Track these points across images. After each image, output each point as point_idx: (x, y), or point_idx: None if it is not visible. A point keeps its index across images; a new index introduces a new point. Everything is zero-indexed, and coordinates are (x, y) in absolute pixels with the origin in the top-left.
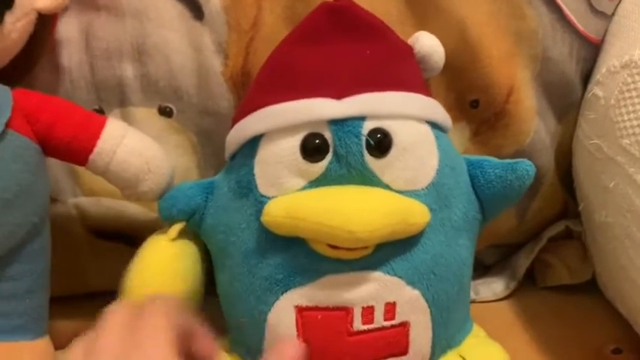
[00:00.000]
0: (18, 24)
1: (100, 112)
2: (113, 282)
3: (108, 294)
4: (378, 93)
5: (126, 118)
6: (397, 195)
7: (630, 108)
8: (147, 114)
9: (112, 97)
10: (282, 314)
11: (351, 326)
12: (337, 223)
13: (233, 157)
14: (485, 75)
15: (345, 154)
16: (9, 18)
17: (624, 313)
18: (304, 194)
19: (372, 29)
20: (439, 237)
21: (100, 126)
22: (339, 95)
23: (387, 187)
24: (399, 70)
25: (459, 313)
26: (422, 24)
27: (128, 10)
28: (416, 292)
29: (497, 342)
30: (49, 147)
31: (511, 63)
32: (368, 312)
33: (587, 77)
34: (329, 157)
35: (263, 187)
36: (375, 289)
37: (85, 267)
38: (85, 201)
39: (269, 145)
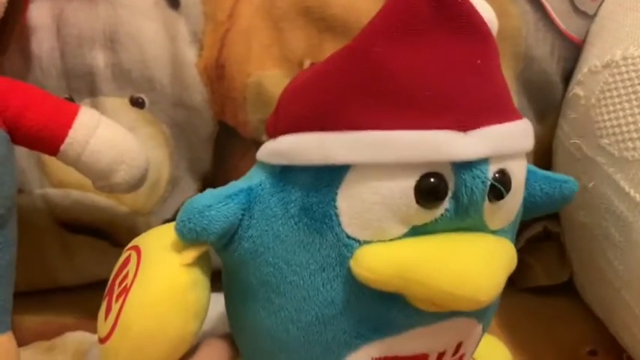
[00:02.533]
0: None
1: (70, 100)
2: (81, 277)
3: (75, 289)
4: (502, 125)
5: (97, 109)
6: (504, 242)
7: (611, 108)
8: (118, 104)
9: (82, 86)
10: None
11: None
12: (466, 293)
13: (287, 169)
14: None
15: (468, 202)
16: None
17: (600, 314)
18: (416, 246)
19: (479, 26)
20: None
21: (73, 115)
22: (464, 126)
23: (486, 227)
24: (505, 86)
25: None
26: None
27: None
28: (480, 327)
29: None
30: (19, 135)
31: None
32: (441, 355)
33: (568, 77)
34: (446, 203)
35: (351, 227)
36: (453, 333)
37: (52, 261)
38: (52, 192)
39: (367, 179)
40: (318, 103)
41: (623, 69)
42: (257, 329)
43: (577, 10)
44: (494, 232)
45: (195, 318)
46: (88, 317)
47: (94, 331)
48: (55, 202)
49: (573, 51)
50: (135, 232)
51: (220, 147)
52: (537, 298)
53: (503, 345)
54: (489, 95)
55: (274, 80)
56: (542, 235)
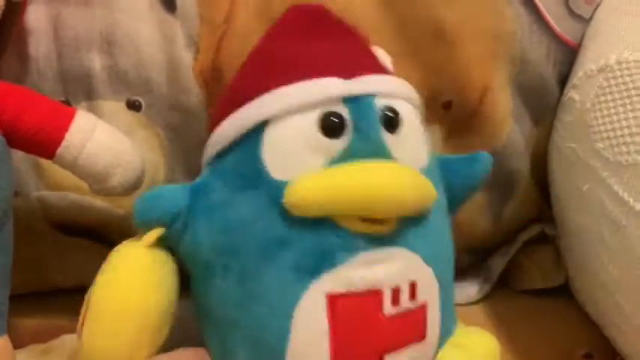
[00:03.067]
0: None
1: (67, 104)
2: (77, 279)
3: (71, 291)
4: (380, 75)
5: (93, 112)
6: (411, 168)
7: (605, 112)
8: (115, 107)
9: (78, 89)
10: (312, 306)
11: (382, 310)
12: (384, 188)
13: (219, 156)
14: (459, 76)
15: (366, 129)
16: None
17: (595, 317)
18: (334, 169)
19: (345, 29)
20: (438, 217)
21: (69, 118)
22: (346, 76)
23: (397, 162)
24: (375, 59)
25: (451, 300)
26: (399, 24)
27: (97, 0)
28: (430, 271)
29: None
30: (15, 139)
31: (488, 64)
32: (396, 293)
33: (563, 80)
34: (349, 132)
35: (277, 172)
36: (402, 266)
37: (48, 263)
38: (48, 195)
39: (280, 127)
40: (232, 94)
41: (618, 73)
42: (220, 301)
43: (572, 13)
44: None
45: (158, 290)
46: None
47: None
48: (51, 205)
49: (569, 54)
50: (131, 235)
51: None
52: (533, 301)
53: (492, 336)
54: (365, 60)
55: None
56: (539, 237)
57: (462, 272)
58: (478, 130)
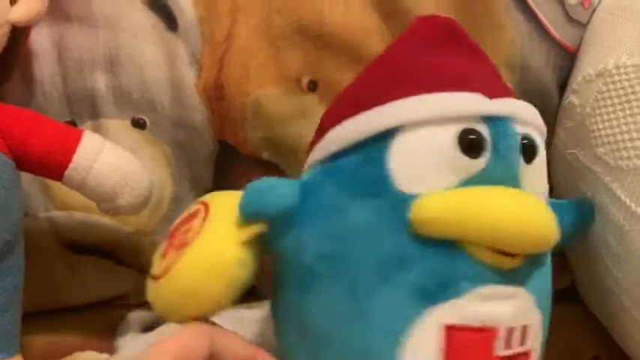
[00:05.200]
0: None
1: (73, 124)
2: (88, 296)
3: (83, 309)
4: (516, 101)
5: (98, 131)
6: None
7: (605, 117)
8: (120, 126)
9: (84, 109)
10: (427, 336)
11: (494, 350)
12: (518, 225)
13: (334, 157)
14: None
15: (506, 152)
16: None
17: (603, 320)
18: (470, 190)
19: (477, 45)
20: (547, 260)
21: (76, 140)
22: (487, 95)
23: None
24: (504, 83)
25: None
26: (396, 34)
27: (101, 21)
28: (540, 316)
29: None
30: (24, 162)
31: None
32: (509, 334)
33: (563, 85)
34: (487, 154)
35: (404, 183)
36: (520, 307)
37: (59, 281)
38: (57, 215)
39: (414, 136)
40: (357, 95)
41: (616, 78)
42: (326, 311)
43: (570, 19)
44: None
45: (230, 290)
46: (96, 336)
47: (102, 349)
48: (60, 224)
49: (568, 59)
50: (139, 251)
51: (221, 165)
52: None
53: None
54: (499, 81)
55: (273, 98)
56: None
57: None
58: None
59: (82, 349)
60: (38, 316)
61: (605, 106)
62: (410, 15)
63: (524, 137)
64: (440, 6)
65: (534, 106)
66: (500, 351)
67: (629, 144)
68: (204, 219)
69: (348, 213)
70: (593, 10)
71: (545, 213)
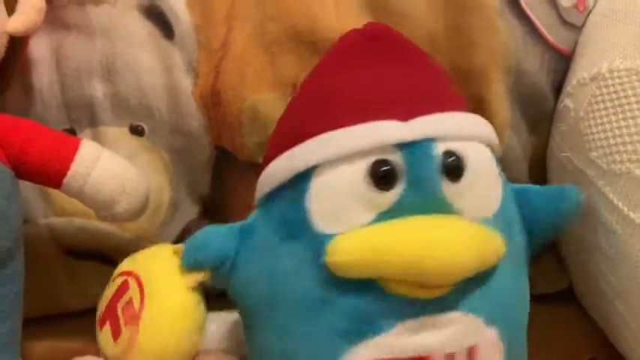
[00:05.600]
0: None
1: (72, 132)
2: (88, 301)
3: (83, 314)
4: (445, 113)
5: (97, 138)
6: (472, 223)
7: (598, 120)
8: (118, 133)
9: (82, 117)
10: None
11: None
12: (434, 256)
13: (268, 196)
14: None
15: (420, 180)
16: None
17: (599, 323)
18: (384, 226)
19: (413, 52)
20: (508, 271)
21: (74, 148)
22: (404, 117)
23: (460, 214)
24: (448, 91)
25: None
26: None
27: (98, 30)
28: (494, 332)
29: None
30: (22, 170)
31: (483, 76)
32: (450, 359)
33: (558, 88)
34: (402, 183)
35: (322, 224)
36: (456, 331)
37: (59, 287)
38: (56, 221)
39: (327, 175)
40: (284, 131)
41: (610, 82)
42: (263, 353)
43: (564, 21)
44: (475, 220)
45: (201, 332)
46: (96, 341)
47: (102, 354)
48: (60, 231)
49: (563, 62)
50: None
51: (218, 171)
52: (537, 305)
53: None
54: (431, 94)
55: (269, 104)
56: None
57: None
58: None
59: (82, 354)
60: (38, 321)
61: (599, 110)
62: (403, 19)
63: (449, 154)
64: (432, 10)
65: (529, 109)
66: None
67: (621, 148)
68: (140, 287)
69: (276, 256)
70: (588, 13)
71: (461, 239)
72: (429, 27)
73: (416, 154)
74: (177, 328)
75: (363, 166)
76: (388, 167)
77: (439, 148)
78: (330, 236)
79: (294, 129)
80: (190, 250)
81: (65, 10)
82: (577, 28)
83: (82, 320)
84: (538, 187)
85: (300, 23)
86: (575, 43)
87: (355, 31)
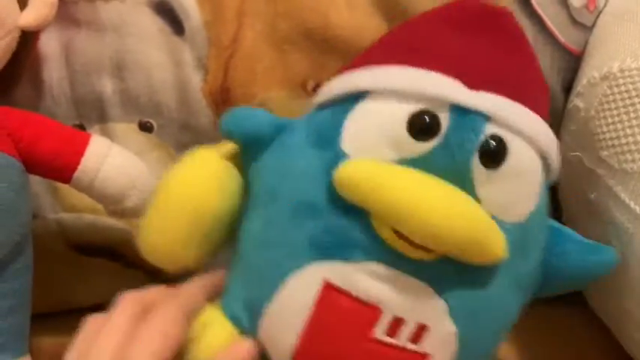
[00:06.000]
0: (1, 42)
1: (81, 127)
2: (96, 297)
3: (90, 310)
4: (510, 100)
5: (106, 134)
6: (484, 212)
7: (609, 120)
8: (127, 129)
9: (92, 113)
10: (306, 281)
11: (372, 331)
12: (416, 208)
13: (319, 106)
14: None
15: (455, 146)
16: None
17: (608, 324)
18: (397, 168)
19: (520, 39)
20: (500, 283)
21: (84, 143)
22: (473, 86)
23: (477, 201)
24: (537, 92)
25: None
26: None
27: (108, 26)
28: (453, 329)
29: None
30: (32, 165)
31: None
32: (396, 324)
33: (568, 88)
34: (436, 141)
35: (348, 144)
36: (417, 302)
37: (67, 282)
38: (65, 217)
39: (372, 104)
40: (364, 53)
41: (621, 81)
42: (245, 235)
43: (575, 21)
44: (491, 218)
45: (218, 194)
46: None
47: None
48: (69, 226)
49: (573, 62)
50: None
51: None
52: (547, 307)
53: None
54: (508, 78)
55: (278, 102)
56: None
57: None
58: None
59: None
60: (47, 317)
61: (610, 109)
62: (410, 14)
63: (495, 138)
64: None
65: None
66: (380, 335)
67: (633, 147)
68: None
69: (298, 157)
70: (598, 13)
71: (455, 209)
72: None
73: (463, 121)
74: (195, 182)
75: (409, 109)
76: (430, 121)
77: (489, 129)
78: (348, 156)
79: (370, 54)
80: (229, 119)
81: (76, 6)
82: (587, 28)
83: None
84: (575, 234)
85: (312, 21)
86: (586, 43)
87: (479, 3)
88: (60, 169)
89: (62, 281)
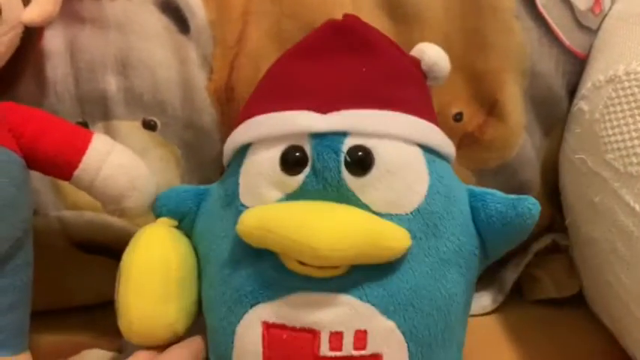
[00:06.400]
0: (5, 37)
1: (84, 125)
2: (97, 295)
3: (91, 308)
4: (364, 110)
5: (110, 132)
6: (372, 216)
7: (615, 123)
8: (131, 127)
9: (95, 111)
10: (250, 328)
11: (318, 351)
12: (302, 239)
13: (227, 166)
14: (468, 88)
15: (322, 169)
16: None
17: (611, 327)
18: (277, 206)
19: (374, 46)
20: (423, 267)
21: (86, 141)
22: (324, 110)
23: (366, 207)
24: (396, 90)
25: (446, 353)
26: (407, 40)
27: (113, 23)
28: (391, 323)
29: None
30: (33, 161)
31: (498, 77)
32: (336, 338)
33: (573, 91)
34: (306, 170)
35: (244, 196)
36: (345, 313)
37: (68, 280)
38: (67, 214)
39: (253, 155)
40: (244, 106)
41: (626, 84)
42: (202, 298)
43: (580, 25)
44: (381, 215)
45: (177, 247)
46: (103, 335)
47: (109, 348)
48: (70, 224)
49: (578, 65)
50: None
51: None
52: (548, 310)
53: None
54: (359, 90)
55: None
56: (552, 247)
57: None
58: (489, 142)
59: (90, 347)
60: (47, 314)
61: (615, 112)
62: (419, 20)
63: (357, 149)
64: (449, 10)
65: (544, 111)
66: (326, 352)
67: (638, 150)
68: None
69: (216, 220)
70: (604, 17)
71: (347, 227)
72: (445, 29)
73: (323, 145)
74: (154, 243)
75: (279, 150)
76: (297, 154)
77: (349, 142)
78: (246, 208)
79: (248, 107)
80: (158, 201)
81: (81, 3)
82: (592, 32)
83: (90, 314)
84: (500, 193)
85: (317, 20)
86: (590, 46)
87: (327, 22)
88: (60, 166)
89: (62, 279)
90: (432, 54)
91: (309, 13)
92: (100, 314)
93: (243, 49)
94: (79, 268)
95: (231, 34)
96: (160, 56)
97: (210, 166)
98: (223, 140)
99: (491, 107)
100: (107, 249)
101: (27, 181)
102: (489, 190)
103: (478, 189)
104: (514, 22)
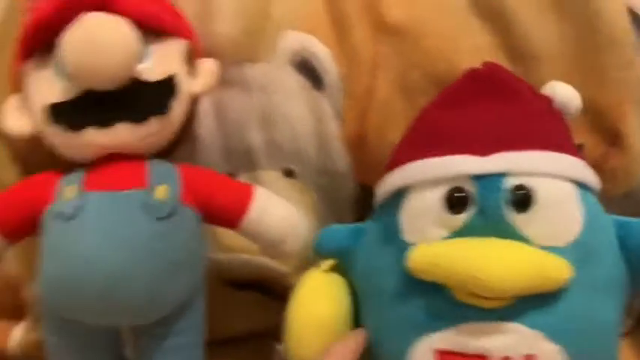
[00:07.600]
0: (179, 109)
1: (231, 175)
2: (251, 326)
3: (235, 340)
4: (520, 152)
5: (254, 181)
6: (535, 249)
7: None
8: (273, 176)
9: (241, 162)
10: (422, 356)
11: None
12: (474, 272)
13: (380, 206)
14: (589, 120)
15: (486, 208)
16: (175, 105)
17: None
18: (447, 242)
19: (516, 90)
20: (582, 295)
21: (249, 197)
22: (482, 153)
23: (527, 241)
24: (541, 130)
25: None
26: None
27: (254, 85)
28: (557, 347)
29: None
30: (206, 215)
31: (619, 109)
32: None
33: None
34: (471, 209)
35: (407, 234)
36: (514, 340)
37: (223, 314)
38: (222, 256)
39: (414, 197)
40: (395, 155)
41: None
42: (368, 331)
43: None
44: (542, 248)
45: (331, 302)
46: None
47: None
48: (224, 265)
49: None
50: (293, 287)
51: (363, 210)
52: None
53: None
54: (511, 133)
55: None
56: None
57: None
58: (611, 172)
59: None
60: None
61: None
62: (537, 62)
63: (519, 188)
64: (565, 52)
65: None
66: None
67: None
68: None
69: (378, 256)
70: None
71: (517, 260)
72: (562, 69)
73: (487, 186)
74: (310, 299)
75: (442, 191)
76: (461, 194)
77: (510, 182)
78: (412, 245)
79: (400, 154)
80: (317, 241)
81: (225, 69)
82: None
83: (233, 346)
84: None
85: (438, 68)
86: None
87: (468, 71)
88: (230, 218)
89: (218, 313)
90: (563, 92)
91: (431, 62)
92: (254, 345)
93: (372, 100)
94: (233, 303)
95: (361, 86)
96: (298, 111)
97: (344, 209)
98: (356, 182)
99: (613, 138)
100: (257, 286)
101: (203, 233)
102: (631, 220)
103: (621, 218)
104: (633, 54)
